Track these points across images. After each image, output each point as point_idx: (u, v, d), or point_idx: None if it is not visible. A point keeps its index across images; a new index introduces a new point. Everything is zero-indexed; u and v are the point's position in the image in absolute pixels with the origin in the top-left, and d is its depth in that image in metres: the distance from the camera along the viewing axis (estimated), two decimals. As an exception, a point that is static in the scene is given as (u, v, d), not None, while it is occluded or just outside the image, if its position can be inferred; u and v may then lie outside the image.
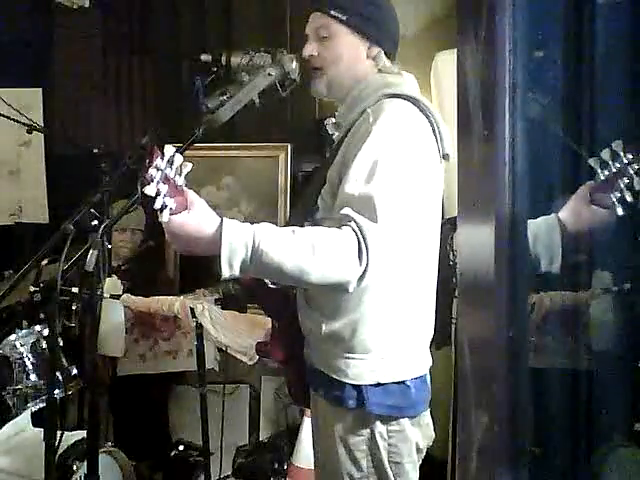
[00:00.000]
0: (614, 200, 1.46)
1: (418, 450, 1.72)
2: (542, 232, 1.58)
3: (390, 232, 1.50)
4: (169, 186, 1.31)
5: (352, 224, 1.48)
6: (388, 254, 1.51)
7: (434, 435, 1.79)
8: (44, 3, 3.84)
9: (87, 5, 3.77)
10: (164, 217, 1.33)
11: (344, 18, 1.74)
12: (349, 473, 1.66)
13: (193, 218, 1.41)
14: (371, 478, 1.66)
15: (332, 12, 1.74)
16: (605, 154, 1.45)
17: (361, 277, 1.48)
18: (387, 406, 1.64)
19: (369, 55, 1.77)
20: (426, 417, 1.75)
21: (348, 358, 1.65)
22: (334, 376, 1.66)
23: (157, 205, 1.30)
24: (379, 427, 1.65)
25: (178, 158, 1.32)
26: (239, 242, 1.42)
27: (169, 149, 1.31)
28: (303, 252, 1.44)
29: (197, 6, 3.82)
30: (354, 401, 1.63)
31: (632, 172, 1.44)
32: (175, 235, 1.42)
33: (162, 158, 1.29)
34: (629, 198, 1.44)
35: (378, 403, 1.63)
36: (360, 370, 1.64)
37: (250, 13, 3.75)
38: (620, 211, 1.46)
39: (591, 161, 1.47)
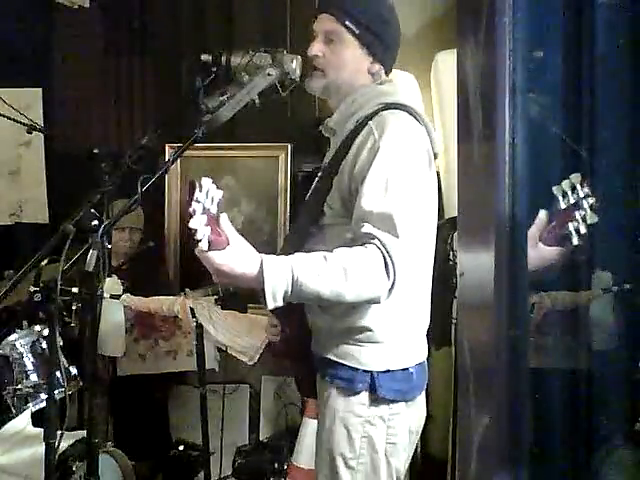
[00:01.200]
0: (571, 230, 1.51)
1: (410, 432, 1.81)
2: None
3: (410, 243, 1.62)
4: (207, 216, 1.39)
5: (376, 242, 1.58)
6: (410, 263, 1.62)
7: (425, 413, 1.88)
8: (44, 3, 3.84)
9: (87, 5, 3.76)
10: (203, 246, 1.41)
11: (357, 32, 1.78)
12: (342, 453, 1.73)
13: (237, 257, 1.51)
14: (362, 459, 1.74)
15: (346, 22, 1.78)
16: (565, 185, 1.51)
17: (390, 289, 1.59)
18: (394, 390, 1.74)
19: (370, 70, 1.83)
20: (420, 397, 1.85)
21: (360, 346, 1.74)
22: (346, 363, 1.74)
23: (199, 236, 1.38)
24: (382, 410, 1.74)
25: (213, 188, 1.41)
26: (280, 278, 1.53)
27: (206, 181, 1.39)
28: (337, 277, 1.55)
29: (197, 6, 3.82)
30: (363, 385, 1.73)
31: (586, 206, 1.49)
32: (220, 272, 1.51)
33: (201, 190, 1.38)
34: (583, 230, 1.50)
35: (387, 388, 1.73)
36: (371, 358, 1.74)
37: (250, 13, 3.75)
38: (576, 241, 1.51)
39: (554, 189, 1.53)
